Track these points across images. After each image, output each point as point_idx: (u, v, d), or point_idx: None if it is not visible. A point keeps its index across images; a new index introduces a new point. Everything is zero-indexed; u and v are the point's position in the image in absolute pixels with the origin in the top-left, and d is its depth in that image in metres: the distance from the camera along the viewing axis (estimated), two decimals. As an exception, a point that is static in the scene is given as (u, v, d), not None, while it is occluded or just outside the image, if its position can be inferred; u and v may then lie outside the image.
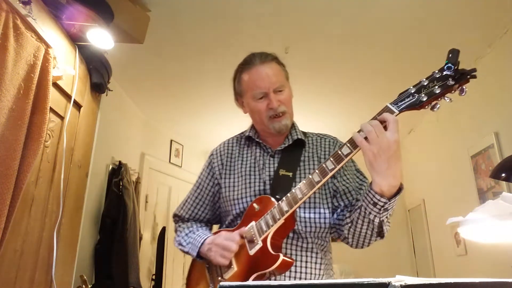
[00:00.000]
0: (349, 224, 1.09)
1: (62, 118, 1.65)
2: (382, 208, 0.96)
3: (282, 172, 1.20)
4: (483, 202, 1.22)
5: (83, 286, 1.78)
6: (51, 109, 1.52)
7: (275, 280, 1.09)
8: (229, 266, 1.12)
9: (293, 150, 1.25)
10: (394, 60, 2.77)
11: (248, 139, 1.33)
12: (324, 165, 0.99)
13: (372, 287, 0.41)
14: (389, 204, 0.95)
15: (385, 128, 0.91)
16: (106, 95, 2.06)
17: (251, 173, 1.25)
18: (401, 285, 0.40)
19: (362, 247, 1.13)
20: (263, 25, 2.40)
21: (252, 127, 1.34)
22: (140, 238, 3.04)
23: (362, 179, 1.24)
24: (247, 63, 1.25)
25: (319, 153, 1.26)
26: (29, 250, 1.43)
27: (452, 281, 0.41)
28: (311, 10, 2.26)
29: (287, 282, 0.47)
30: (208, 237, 1.19)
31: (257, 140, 1.29)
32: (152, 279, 3.41)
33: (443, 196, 3.36)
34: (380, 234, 1.08)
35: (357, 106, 3.47)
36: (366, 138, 0.91)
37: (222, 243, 1.10)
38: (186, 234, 1.29)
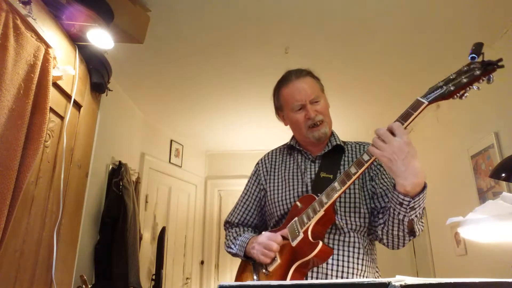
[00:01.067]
0: (382, 225, 1.15)
1: (62, 118, 1.65)
2: (408, 207, 1.00)
3: (323, 174, 1.27)
4: (483, 202, 1.22)
5: (83, 286, 1.77)
6: (51, 109, 1.52)
7: (317, 274, 1.14)
8: (273, 259, 1.18)
9: (333, 155, 1.33)
10: (394, 60, 2.77)
11: (290, 148, 1.42)
12: (361, 158, 1.06)
13: (372, 287, 0.41)
14: (414, 202, 0.99)
15: (393, 135, 0.98)
16: (106, 95, 2.06)
17: (294, 176, 1.33)
18: (401, 285, 0.40)
19: (398, 248, 1.18)
20: (263, 25, 2.40)
21: (293, 137, 1.42)
22: (140, 238, 3.04)
23: None
24: (284, 80, 1.35)
25: (358, 157, 1.30)
26: (29, 250, 1.43)
27: (452, 281, 0.41)
28: (311, 10, 2.26)
29: (287, 282, 0.47)
30: (253, 236, 1.30)
31: (298, 148, 1.38)
32: (152, 279, 3.41)
33: (443, 196, 3.36)
34: (412, 233, 1.11)
35: (357, 106, 3.47)
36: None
37: (264, 242, 1.18)
38: (235, 238, 1.38)
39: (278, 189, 1.34)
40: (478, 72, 0.92)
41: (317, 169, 1.30)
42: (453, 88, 0.95)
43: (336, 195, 1.07)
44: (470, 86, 0.94)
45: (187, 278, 4.10)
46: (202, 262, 4.39)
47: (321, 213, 1.09)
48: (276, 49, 2.61)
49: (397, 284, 0.41)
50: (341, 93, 3.27)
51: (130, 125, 3.49)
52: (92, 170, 1.97)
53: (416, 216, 1.04)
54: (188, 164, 4.38)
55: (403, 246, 1.17)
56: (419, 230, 1.11)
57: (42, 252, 1.50)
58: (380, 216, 1.18)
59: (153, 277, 3.36)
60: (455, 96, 0.97)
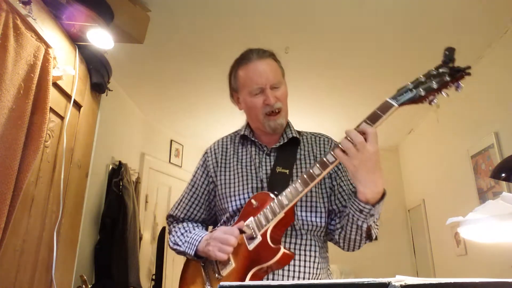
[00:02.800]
0: (339, 230, 1.14)
1: (62, 118, 1.65)
2: (368, 214, 1.01)
3: (278, 169, 1.20)
4: (483, 202, 1.22)
5: (83, 286, 1.77)
6: (51, 109, 1.52)
7: (273, 275, 1.08)
8: (227, 262, 1.10)
9: (288, 148, 1.25)
10: (394, 60, 2.77)
11: (243, 138, 1.32)
12: (325, 159, 1.02)
13: (372, 287, 0.41)
14: (374, 210, 1.00)
15: (365, 139, 0.95)
16: (106, 95, 2.06)
17: (247, 170, 1.24)
18: (401, 285, 0.40)
19: (353, 250, 1.17)
20: (263, 25, 2.40)
21: (247, 125, 1.32)
22: (140, 238, 3.04)
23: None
24: (244, 59, 1.24)
25: (314, 151, 1.27)
26: (29, 250, 1.43)
27: (452, 281, 0.41)
28: (311, 10, 2.26)
29: (287, 282, 0.47)
30: (206, 234, 1.18)
31: (252, 139, 1.29)
32: (152, 279, 3.41)
33: (443, 196, 3.36)
34: (369, 237, 1.11)
35: (356, 106, 3.46)
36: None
37: (221, 236, 1.08)
38: (182, 234, 1.26)
39: (230, 183, 1.24)
40: (447, 78, 0.92)
41: (272, 163, 1.22)
42: (423, 93, 0.95)
43: (297, 198, 1.03)
44: (439, 92, 0.94)
45: (187, 278, 4.09)
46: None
47: (281, 215, 1.04)
48: (276, 49, 2.59)
49: (397, 284, 0.41)
50: (340, 93, 3.27)
51: (130, 125, 3.49)
52: (92, 170, 1.97)
53: (374, 221, 1.05)
54: (188, 164, 4.38)
55: (358, 249, 1.16)
56: (375, 234, 1.11)
57: (42, 252, 1.50)
58: (337, 220, 1.16)
59: (153, 277, 3.36)
60: (424, 101, 0.97)
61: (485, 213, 1.03)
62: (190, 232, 1.25)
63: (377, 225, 1.12)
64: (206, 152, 1.36)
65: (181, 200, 1.35)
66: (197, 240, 1.16)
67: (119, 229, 2.70)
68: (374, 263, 3.90)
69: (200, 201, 1.32)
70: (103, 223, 2.73)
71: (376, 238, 1.15)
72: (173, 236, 1.29)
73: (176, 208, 1.35)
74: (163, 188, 3.97)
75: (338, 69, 2.90)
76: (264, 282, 0.47)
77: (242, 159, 1.28)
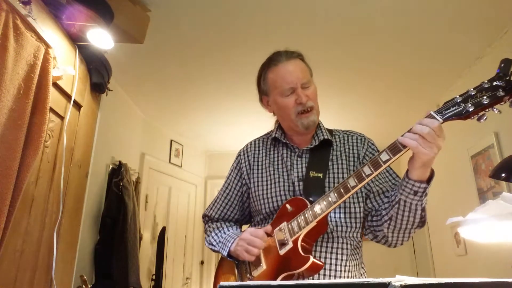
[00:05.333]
0: (388, 222, 1.08)
1: (62, 118, 1.65)
2: (424, 194, 0.98)
3: (312, 174, 1.20)
4: (483, 202, 1.22)
5: (83, 286, 1.77)
6: (51, 109, 1.52)
7: (303, 278, 1.09)
8: (258, 264, 1.12)
9: (320, 150, 1.25)
10: (394, 60, 2.77)
11: (274, 140, 1.33)
12: (361, 170, 1.00)
13: (372, 287, 0.41)
14: (428, 187, 0.98)
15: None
16: (106, 95, 2.06)
17: (279, 173, 1.25)
18: (401, 285, 0.40)
19: (401, 244, 1.15)
20: (262, 25, 2.40)
21: (278, 127, 1.33)
22: (140, 238, 3.04)
23: (395, 177, 1.23)
24: (272, 61, 1.25)
25: (347, 151, 1.25)
26: (29, 250, 1.43)
27: (452, 281, 0.41)
28: (311, 10, 2.26)
29: (287, 282, 0.47)
30: (238, 236, 1.20)
31: (283, 141, 1.29)
32: (152, 279, 3.41)
33: (443, 196, 3.36)
34: (423, 222, 1.08)
35: (355, 106, 3.46)
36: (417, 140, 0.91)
37: (248, 238, 1.11)
38: (216, 234, 1.30)
39: (263, 186, 1.26)
40: (501, 93, 0.83)
41: (304, 165, 1.23)
42: (471, 109, 0.87)
43: (331, 208, 1.03)
44: (491, 108, 0.87)
45: (187, 278, 4.10)
46: (202, 262, 4.39)
47: (313, 224, 1.05)
48: (276, 49, 2.61)
49: (397, 284, 0.41)
50: (340, 93, 3.27)
51: (130, 125, 3.49)
52: (92, 170, 1.97)
53: (426, 202, 1.03)
54: (188, 164, 4.38)
55: (407, 240, 1.14)
56: (426, 218, 1.09)
57: (42, 252, 1.50)
58: (384, 213, 1.12)
59: (153, 277, 3.36)
60: (473, 117, 0.89)
61: (485, 213, 1.03)
62: (224, 232, 1.28)
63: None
64: (239, 154, 1.39)
65: (215, 201, 1.39)
66: (229, 242, 1.20)
67: (119, 229, 2.70)
68: (374, 263, 3.90)
69: (233, 202, 1.35)
70: (103, 223, 2.72)
71: (424, 224, 1.12)
72: (208, 236, 1.34)
73: (211, 208, 1.39)
74: (163, 188, 3.97)
75: (338, 69, 2.90)
76: (264, 282, 0.47)
77: (274, 161, 1.29)
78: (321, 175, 1.18)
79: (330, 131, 1.32)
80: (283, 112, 1.24)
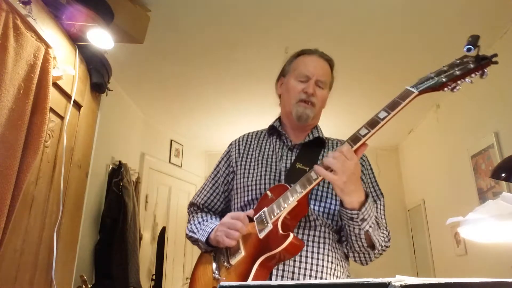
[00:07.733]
0: (345, 243, 1.14)
1: (62, 118, 1.65)
2: (359, 220, 1.00)
3: (298, 165, 1.20)
4: (483, 202, 1.22)
5: (83, 286, 1.77)
6: (51, 109, 1.52)
7: (283, 266, 1.06)
8: (236, 251, 1.09)
9: (312, 148, 1.26)
10: (394, 60, 2.77)
11: (271, 129, 1.34)
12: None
13: (372, 287, 0.41)
14: (363, 213, 1.00)
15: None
16: (106, 95, 2.06)
17: (268, 162, 1.25)
18: (401, 285, 0.40)
19: (366, 263, 1.16)
20: (263, 25, 2.40)
21: (278, 118, 1.36)
22: (140, 238, 3.04)
23: (378, 195, 1.22)
24: (308, 51, 1.31)
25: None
26: (29, 250, 1.43)
27: (452, 281, 0.41)
28: (311, 10, 2.26)
29: (288, 282, 0.47)
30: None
31: (279, 130, 1.30)
32: (152, 279, 3.42)
33: (443, 196, 3.36)
34: (373, 247, 1.09)
35: (355, 106, 3.47)
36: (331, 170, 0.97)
37: (228, 221, 1.08)
38: (199, 222, 1.27)
39: (249, 173, 1.24)
40: (471, 66, 0.91)
41: (293, 157, 1.23)
42: (445, 79, 0.93)
43: (312, 185, 1.00)
44: (463, 79, 0.92)
45: (187, 278, 4.09)
46: (202, 262, 4.39)
47: (294, 203, 1.01)
48: (276, 49, 2.61)
49: (397, 284, 0.40)
50: (340, 93, 3.27)
51: (130, 125, 3.49)
52: (92, 170, 1.97)
53: (370, 226, 1.02)
54: (188, 164, 4.38)
55: (371, 261, 1.14)
56: (379, 242, 1.08)
57: (42, 252, 1.50)
58: (342, 233, 1.15)
59: (153, 277, 3.37)
60: (446, 88, 0.94)
61: (485, 213, 1.03)
62: (207, 221, 1.26)
63: (382, 233, 1.10)
64: (231, 144, 1.41)
65: (203, 188, 1.38)
66: (210, 228, 1.17)
67: (119, 229, 2.70)
68: (374, 263, 3.89)
69: (220, 190, 1.34)
70: (103, 223, 2.73)
71: (384, 249, 1.13)
72: (191, 224, 1.30)
73: (198, 195, 1.38)
74: (163, 188, 3.97)
75: (338, 70, 2.90)
76: (264, 282, 0.47)
77: (264, 151, 1.30)
78: (307, 168, 1.16)
79: (327, 138, 1.33)
80: (288, 94, 1.27)
